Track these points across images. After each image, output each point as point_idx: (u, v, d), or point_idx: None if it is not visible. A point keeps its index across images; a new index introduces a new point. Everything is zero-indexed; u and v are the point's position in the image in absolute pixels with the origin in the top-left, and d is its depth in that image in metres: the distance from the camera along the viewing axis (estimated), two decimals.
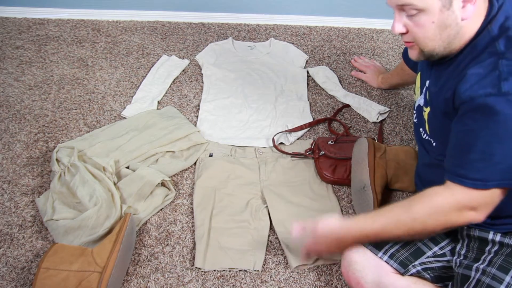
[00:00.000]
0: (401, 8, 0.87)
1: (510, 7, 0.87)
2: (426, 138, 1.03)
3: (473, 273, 0.91)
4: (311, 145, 1.40)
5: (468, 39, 0.88)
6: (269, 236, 1.20)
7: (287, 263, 1.14)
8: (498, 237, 0.94)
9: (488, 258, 0.92)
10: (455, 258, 0.99)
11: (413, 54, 0.94)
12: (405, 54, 1.45)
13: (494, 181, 0.83)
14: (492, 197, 0.85)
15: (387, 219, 0.93)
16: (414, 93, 1.15)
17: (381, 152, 1.27)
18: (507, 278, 0.87)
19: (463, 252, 0.98)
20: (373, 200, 1.17)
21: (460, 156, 0.86)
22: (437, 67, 0.99)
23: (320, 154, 1.35)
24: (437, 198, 0.88)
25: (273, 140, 1.42)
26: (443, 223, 0.88)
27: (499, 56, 0.83)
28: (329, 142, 1.37)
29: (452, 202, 0.86)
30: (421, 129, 1.06)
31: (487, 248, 0.94)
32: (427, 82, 1.02)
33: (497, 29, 0.86)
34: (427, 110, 1.01)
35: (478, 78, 0.83)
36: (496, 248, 0.93)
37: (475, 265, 0.92)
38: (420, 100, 1.06)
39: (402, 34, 0.92)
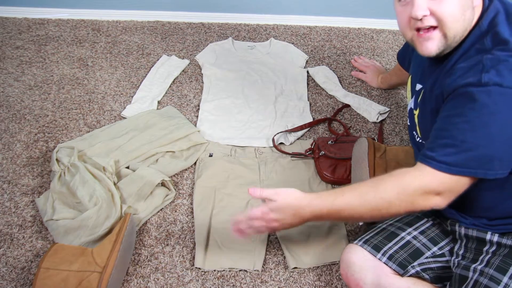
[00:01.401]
0: None
1: (500, 1, 0.87)
2: (419, 141, 1.03)
3: (471, 274, 0.91)
4: (311, 145, 1.40)
5: (469, 29, 0.88)
6: (269, 236, 1.20)
7: (287, 263, 1.14)
8: (496, 238, 0.94)
9: (486, 259, 0.92)
10: (453, 258, 0.98)
11: (432, 45, 0.89)
12: (399, 55, 1.45)
13: (459, 168, 0.82)
14: (457, 184, 0.85)
15: (352, 195, 0.89)
16: (406, 97, 1.16)
17: (381, 152, 1.27)
18: (505, 279, 0.87)
19: (461, 252, 0.98)
20: None
21: (434, 140, 0.86)
22: (429, 68, 0.99)
23: (320, 154, 1.35)
24: (405, 178, 0.87)
25: (273, 140, 1.42)
26: (408, 205, 0.87)
27: (486, 52, 0.83)
28: (329, 142, 1.37)
29: (419, 183, 0.85)
30: (414, 132, 1.06)
31: (485, 249, 0.94)
32: (417, 85, 1.02)
33: (487, 24, 0.86)
34: (416, 112, 1.02)
35: (462, 72, 0.83)
36: (494, 248, 0.93)
37: (473, 265, 0.92)
38: (411, 103, 1.06)
39: (424, 16, 0.86)
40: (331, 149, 1.35)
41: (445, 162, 0.83)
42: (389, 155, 1.28)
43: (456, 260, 0.97)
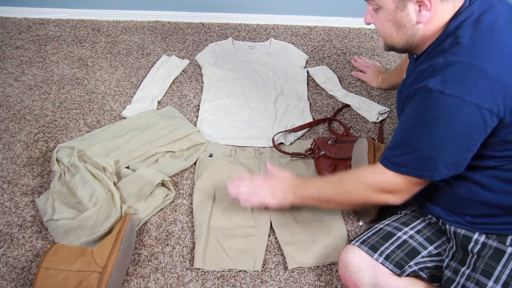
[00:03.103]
0: (368, 1, 0.94)
1: (479, 6, 0.87)
2: None
3: (458, 278, 0.92)
4: (311, 145, 1.40)
5: (430, 39, 0.91)
6: (269, 236, 1.20)
7: (286, 263, 1.14)
8: (482, 238, 0.94)
9: (472, 261, 0.92)
10: (445, 257, 0.99)
11: (381, 44, 1.05)
12: None
13: (406, 168, 0.89)
14: (407, 184, 0.91)
15: (325, 182, 1.06)
16: None
17: (381, 152, 1.27)
18: (490, 283, 0.87)
19: (452, 252, 0.98)
20: None
21: (391, 141, 0.94)
22: (413, 62, 1.03)
23: (320, 154, 1.35)
24: (363, 173, 0.99)
25: (273, 140, 1.42)
26: (364, 198, 0.97)
27: (441, 54, 0.85)
28: (329, 142, 1.37)
29: (373, 180, 0.95)
30: None
31: (470, 247, 0.94)
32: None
33: (453, 28, 0.87)
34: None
35: (418, 75, 0.87)
36: (478, 247, 0.93)
37: (462, 269, 0.93)
38: None
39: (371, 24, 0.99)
40: (331, 149, 1.35)
41: (394, 163, 0.90)
42: None
43: (447, 259, 0.98)
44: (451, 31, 0.87)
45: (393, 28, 0.93)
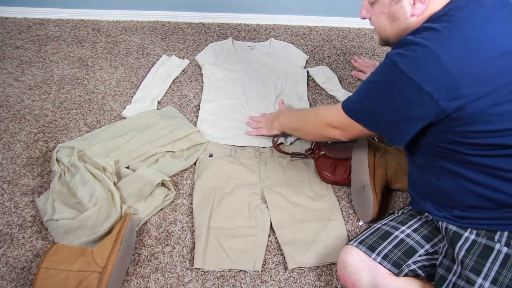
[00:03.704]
0: None
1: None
2: None
3: (450, 276, 0.93)
4: (311, 145, 1.40)
5: (411, 28, 0.94)
6: (269, 236, 1.20)
7: (286, 263, 1.14)
8: (473, 236, 0.94)
9: (460, 258, 0.92)
10: (439, 254, 0.99)
11: (376, 39, 1.10)
12: None
13: (352, 113, 1.00)
14: (351, 125, 1.01)
15: (298, 113, 1.30)
16: None
17: (381, 152, 1.27)
18: (479, 280, 0.88)
19: (445, 248, 0.98)
20: (373, 200, 1.17)
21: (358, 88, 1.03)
22: None
23: (320, 154, 1.35)
24: (322, 108, 1.15)
25: (273, 140, 1.42)
26: (317, 129, 1.14)
27: (414, 33, 0.90)
28: (329, 142, 1.37)
29: (326, 115, 1.09)
30: None
31: (459, 244, 0.94)
32: None
33: (437, 15, 0.90)
34: None
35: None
36: (467, 245, 0.93)
37: (454, 267, 0.93)
38: None
39: (366, 19, 1.04)
40: (331, 149, 1.35)
41: (346, 105, 1.01)
42: (389, 155, 1.28)
43: (441, 257, 0.98)
44: (433, 17, 0.90)
45: (387, 21, 0.97)
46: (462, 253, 0.92)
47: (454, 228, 0.97)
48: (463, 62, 0.83)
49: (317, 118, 1.13)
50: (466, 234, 0.94)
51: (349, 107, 1.01)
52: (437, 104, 0.84)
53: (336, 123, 1.06)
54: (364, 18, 1.03)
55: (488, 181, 0.91)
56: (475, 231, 0.94)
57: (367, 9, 1.00)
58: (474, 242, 0.93)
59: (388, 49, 1.86)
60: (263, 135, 1.43)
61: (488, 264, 0.88)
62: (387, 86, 0.90)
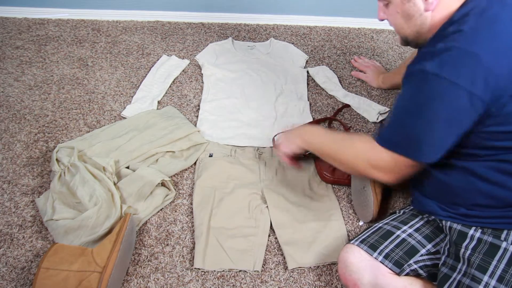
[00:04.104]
0: None
1: None
2: None
3: (454, 274, 0.92)
4: None
5: (437, 28, 0.93)
6: (269, 236, 1.20)
7: (286, 263, 1.14)
8: (478, 234, 0.94)
9: (466, 256, 0.92)
10: (442, 254, 0.99)
11: (398, 39, 1.05)
12: None
13: (396, 147, 0.91)
14: (397, 163, 0.92)
15: (331, 138, 1.09)
16: None
17: None
18: (485, 278, 0.88)
19: (447, 247, 0.98)
20: (373, 200, 1.17)
21: (388, 119, 0.96)
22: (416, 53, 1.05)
23: None
24: (360, 145, 0.99)
25: (273, 140, 1.42)
26: (357, 168, 1.00)
27: (442, 39, 0.87)
28: None
29: (367, 154, 0.97)
30: None
31: (464, 244, 0.94)
32: None
33: (459, 16, 0.88)
34: None
35: (419, 57, 0.90)
36: (473, 244, 0.93)
37: (458, 266, 0.93)
38: None
39: (384, 20, 1.02)
40: None
41: (386, 140, 0.93)
42: None
43: (444, 256, 0.98)
44: (456, 19, 0.88)
45: (402, 20, 0.96)
46: (468, 252, 0.92)
47: (459, 227, 0.97)
48: (501, 59, 0.82)
49: (356, 158, 0.99)
50: (471, 232, 0.94)
51: (391, 143, 0.92)
52: (485, 105, 0.83)
53: (381, 164, 0.95)
54: (382, 20, 1.02)
55: (499, 178, 0.90)
56: (480, 230, 0.94)
57: (383, 10, 1.00)
58: (480, 240, 0.93)
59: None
60: (282, 151, 1.22)
61: (494, 262, 0.88)
62: (434, 101, 0.85)
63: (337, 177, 1.31)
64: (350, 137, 1.05)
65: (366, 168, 0.98)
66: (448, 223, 0.99)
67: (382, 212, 1.24)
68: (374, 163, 0.96)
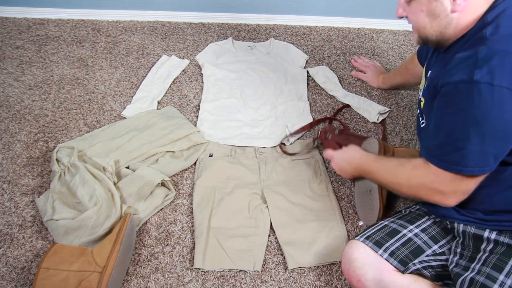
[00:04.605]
0: None
1: None
2: (423, 126, 1.05)
3: (467, 272, 0.91)
4: (317, 132, 1.39)
5: (463, 30, 0.91)
6: (269, 236, 1.20)
7: (286, 263, 1.14)
8: (493, 235, 0.94)
9: (483, 257, 0.92)
10: (451, 256, 0.99)
11: (414, 38, 1.01)
12: (419, 50, 1.44)
13: (457, 166, 0.87)
14: (459, 183, 0.89)
15: (382, 165, 1.06)
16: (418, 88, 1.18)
17: (390, 153, 1.25)
18: (501, 277, 0.87)
19: (458, 250, 0.98)
20: (378, 205, 1.15)
21: (434, 137, 0.91)
22: (437, 54, 1.01)
23: (328, 137, 1.33)
24: (416, 171, 0.96)
25: (280, 146, 1.41)
26: (414, 193, 0.99)
27: (482, 42, 0.84)
28: (336, 132, 1.35)
29: (424, 180, 0.94)
30: (420, 117, 1.08)
31: (482, 247, 0.94)
32: (429, 72, 1.04)
33: (492, 17, 0.87)
34: (423, 100, 1.03)
35: (457, 62, 0.86)
36: (491, 246, 0.93)
37: (472, 265, 0.92)
38: (421, 91, 1.08)
39: (403, 17, 0.98)
40: (338, 137, 1.33)
41: (445, 161, 0.88)
42: (398, 157, 1.26)
43: (454, 258, 0.97)
44: (489, 21, 0.86)
45: (427, 18, 0.92)
46: (486, 254, 0.92)
47: (473, 230, 0.96)
48: None
49: (412, 186, 0.97)
50: (486, 234, 0.94)
51: (452, 163, 0.88)
52: None
53: (442, 187, 0.92)
54: (401, 17, 0.98)
55: None
56: (495, 231, 0.93)
57: (403, 7, 0.96)
58: (496, 242, 0.93)
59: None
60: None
61: (511, 263, 0.88)
62: (491, 111, 0.81)
63: None
64: (402, 164, 1.01)
65: (425, 195, 0.96)
66: (461, 226, 0.98)
67: (384, 215, 1.23)
68: (436, 188, 0.93)
